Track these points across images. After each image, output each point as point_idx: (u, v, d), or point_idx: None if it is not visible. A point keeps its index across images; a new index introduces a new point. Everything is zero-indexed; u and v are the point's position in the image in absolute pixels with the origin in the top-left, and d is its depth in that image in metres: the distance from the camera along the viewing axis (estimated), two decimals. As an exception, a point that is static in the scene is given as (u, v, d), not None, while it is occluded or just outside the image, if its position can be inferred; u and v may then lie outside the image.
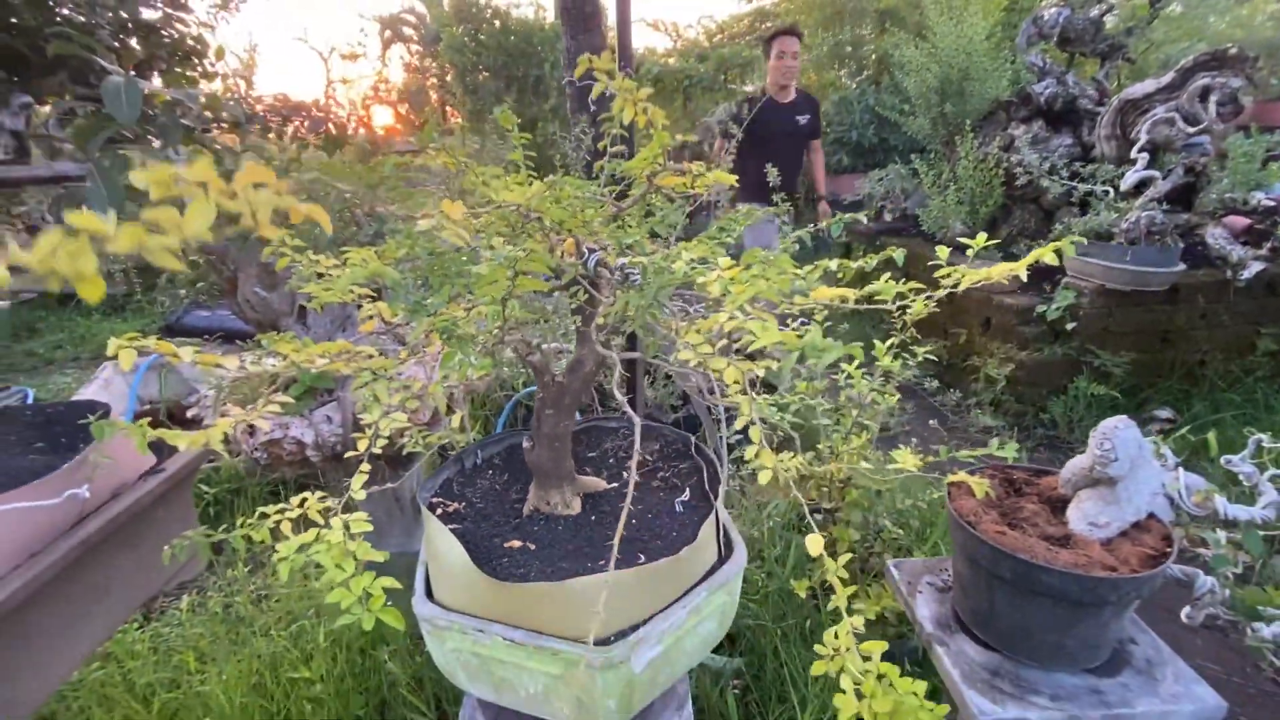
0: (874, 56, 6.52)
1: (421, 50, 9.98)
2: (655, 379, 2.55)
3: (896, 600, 1.28)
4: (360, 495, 0.67)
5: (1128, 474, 0.98)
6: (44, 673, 0.91)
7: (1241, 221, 3.07)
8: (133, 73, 1.95)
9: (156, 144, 1.43)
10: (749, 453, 0.72)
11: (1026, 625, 0.99)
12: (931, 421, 3.24)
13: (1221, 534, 1.13)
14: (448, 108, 9.80)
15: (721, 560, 0.94)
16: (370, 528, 0.64)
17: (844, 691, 0.62)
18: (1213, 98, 2.89)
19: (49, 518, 0.92)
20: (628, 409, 0.74)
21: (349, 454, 0.95)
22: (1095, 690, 0.97)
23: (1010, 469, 1.20)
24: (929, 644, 1.11)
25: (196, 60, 2.16)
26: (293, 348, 0.83)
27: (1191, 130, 2.82)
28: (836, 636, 0.68)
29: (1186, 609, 1.11)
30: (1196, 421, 2.85)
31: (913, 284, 0.98)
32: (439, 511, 1.00)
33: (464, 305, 0.78)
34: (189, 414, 2.81)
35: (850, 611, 0.72)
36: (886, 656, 1.66)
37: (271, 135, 2.10)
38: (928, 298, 0.99)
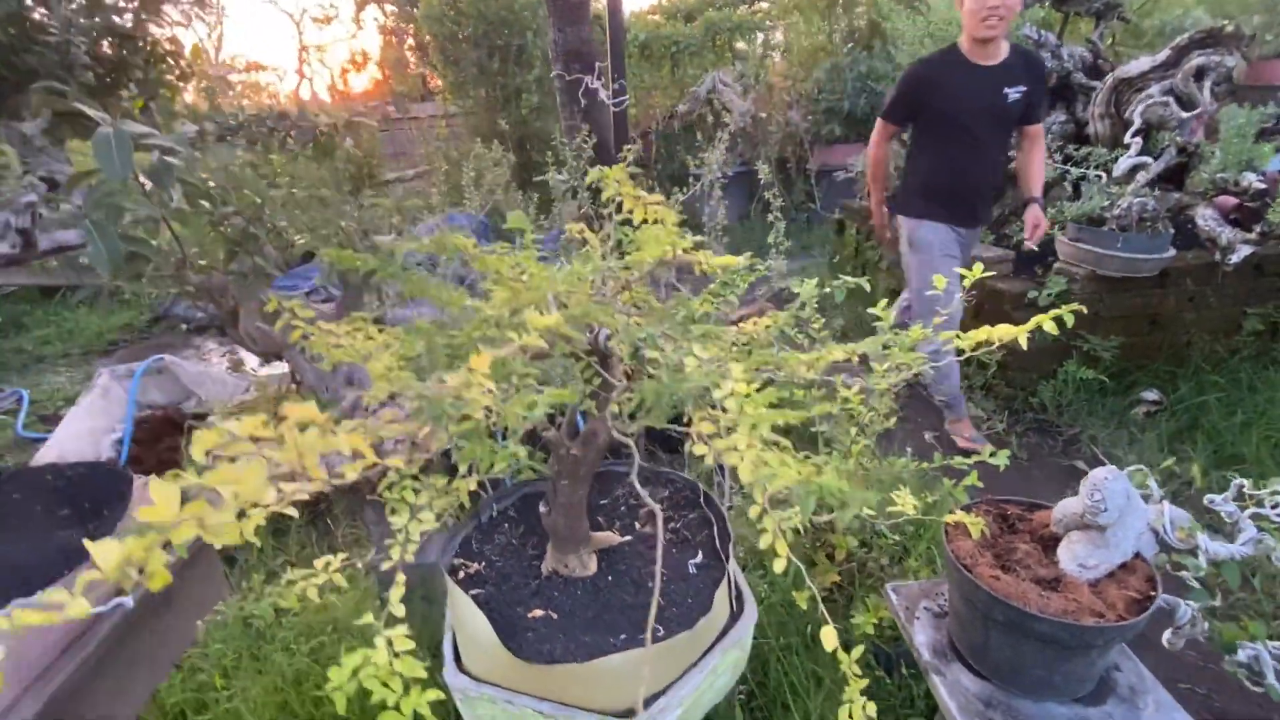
0: (865, 20, 6.36)
1: (397, 12, 9.62)
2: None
3: (896, 621, 1.35)
4: (400, 611, 0.70)
5: (1116, 521, 1.03)
6: (135, 690, 0.96)
7: (1231, 201, 3.09)
8: (109, 85, 1.90)
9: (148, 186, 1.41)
10: (763, 541, 0.75)
11: (1018, 662, 1.06)
12: (920, 420, 3.31)
13: (1203, 559, 1.19)
14: (426, 73, 9.52)
15: (734, 617, 0.99)
16: (412, 645, 0.67)
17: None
18: (1208, 78, 2.88)
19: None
20: (649, 502, 0.77)
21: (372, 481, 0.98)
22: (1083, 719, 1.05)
23: (1005, 504, 1.25)
24: (926, 672, 1.18)
25: (172, 61, 2.11)
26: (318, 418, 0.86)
27: (1186, 115, 2.82)
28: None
29: (1167, 634, 1.18)
30: (1182, 404, 2.93)
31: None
32: (461, 575, 1.04)
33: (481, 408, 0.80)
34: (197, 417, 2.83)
35: (845, 643, 0.76)
36: (883, 661, 1.73)
37: (258, 146, 2.07)
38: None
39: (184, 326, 5.20)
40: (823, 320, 1.73)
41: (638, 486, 0.75)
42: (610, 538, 1.09)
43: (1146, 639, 1.76)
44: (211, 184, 1.55)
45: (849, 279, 1.09)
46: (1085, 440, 2.92)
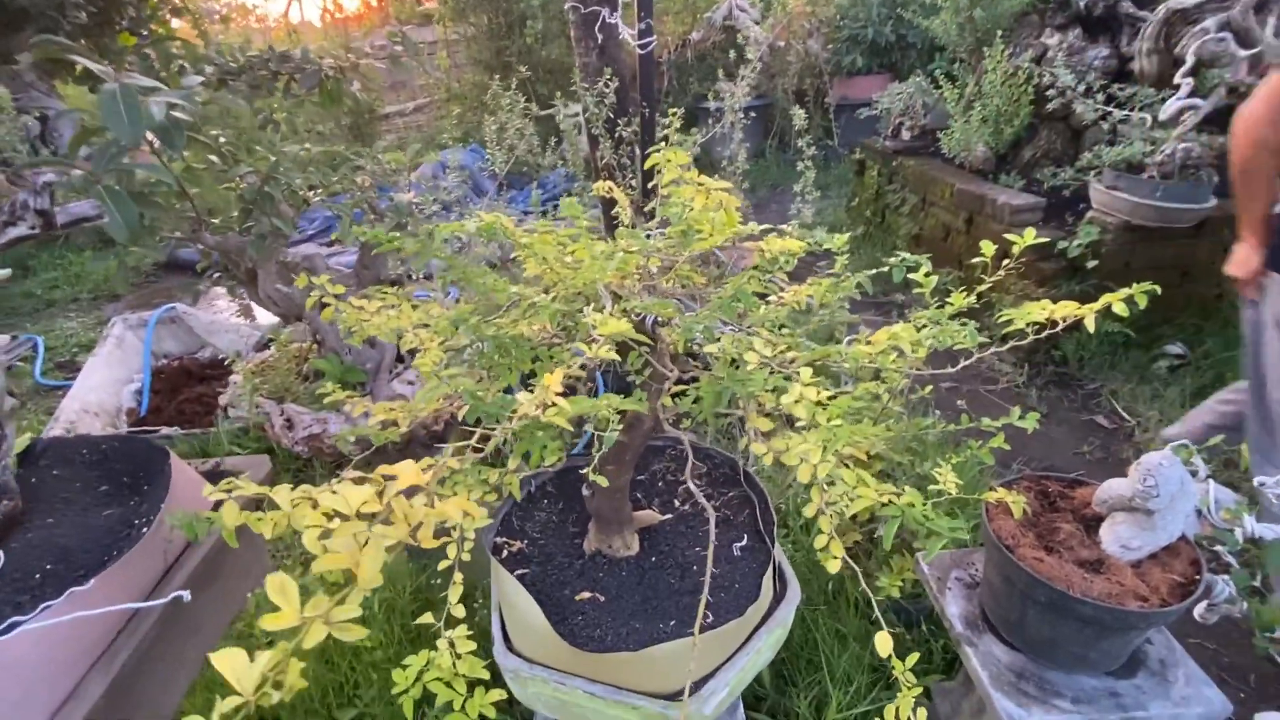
0: (894, -61, 5.91)
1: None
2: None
3: (926, 591, 1.37)
4: (460, 612, 0.70)
5: (1166, 506, 1.02)
6: (157, 712, 0.99)
7: None
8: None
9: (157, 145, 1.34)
10: (818, 542, 0.74)
11: (1055, 638, 1.07)
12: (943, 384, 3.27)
13: (1239, 534, 1.19)
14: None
15: (777, 598, 0.99)
16: (474, 645, 0.68)
17: None
18: (1272, 12, 2.68)
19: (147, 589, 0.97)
20: (705, 505, 0.76)
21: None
22: (1113, 693, 1.07)
23: (1046, 479, 1.24)
24: (958, 643, 1.20)
25: (164, -1, 1.98)
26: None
27: (1244, 53, 2.64)
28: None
29: (1201, 608, 1.19)
30: (1208, 359, 2.89)
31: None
32: (504, 552, 1.05)
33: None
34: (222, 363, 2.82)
35: (865, 600, 0.77)
36: (903, 617, 1.77)
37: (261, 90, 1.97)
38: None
39: (188, 269, 5.14)
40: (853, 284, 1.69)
41: (694, 490, 0.73)
42: (652, 516, 1.08)
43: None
44: (222, 140, 1.48)
45: (906, 256, 1.03)
46: (1106, 395, 2.91)
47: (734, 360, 0.77)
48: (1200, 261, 3.02)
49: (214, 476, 1.24)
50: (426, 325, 0.92)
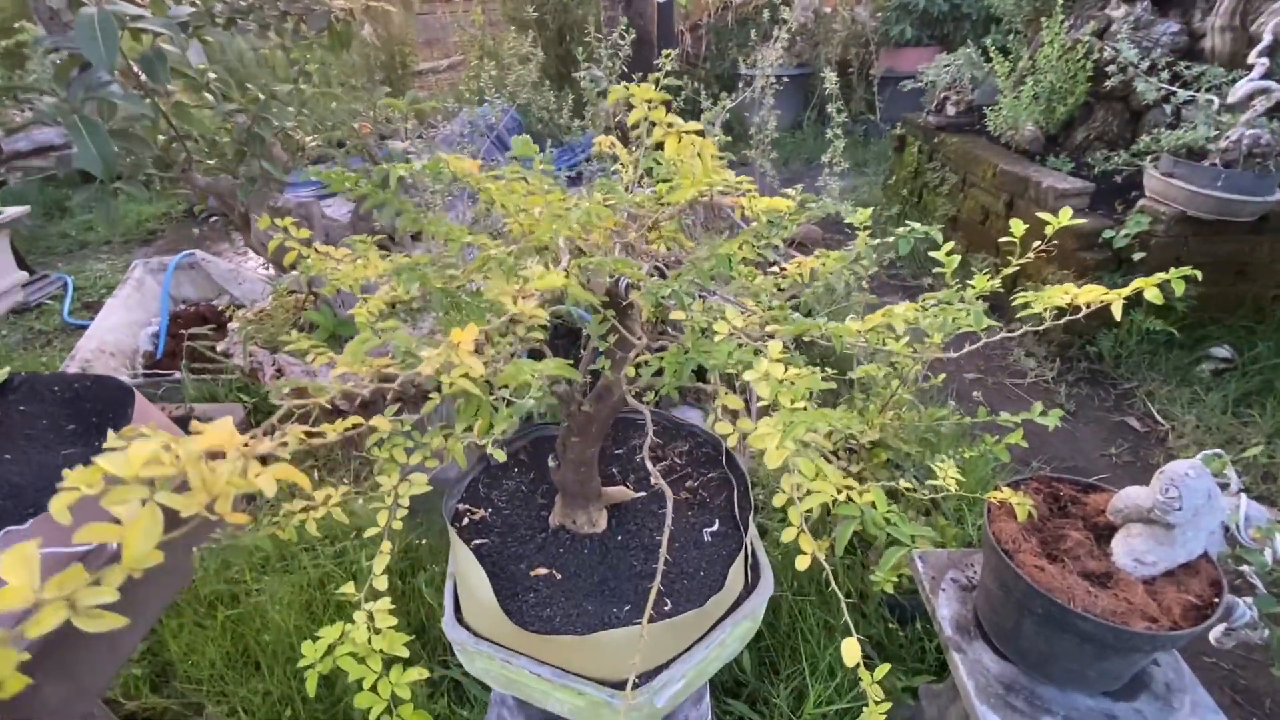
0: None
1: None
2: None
3: (920, 591, 1.29)
4: (382, 584, 0.65)
5: (1189, 521, 0.92)
6: (107, 660, 0.98)
7: (1362, 137, 2.69)
8: None
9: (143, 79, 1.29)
10: (785, 535, 0.67)
11: (1050, 653, 0.99)
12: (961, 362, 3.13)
13: (1269, 556, 1.08)
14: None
15: (748, 589, 0.93)
16: (395, 621, 0.63)
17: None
18: (1366, -15, 2.42)
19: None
20: (660, 481, 0.69)
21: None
22: (1109, 715, 0.99)
23: (1057, 482, 1.14)
24: (946, 648, 1.12)
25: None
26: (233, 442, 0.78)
27: (1330, 30, 2.39)
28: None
29: (1218, 631, 1.10)
30: (1257, 365, 2.70)
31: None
32: (465, 520, 1.00)
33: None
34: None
35: (860, 593, 0.70)
36: (898, 613, 1.70)
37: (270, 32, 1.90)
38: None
39: (216, 219, 5.20)
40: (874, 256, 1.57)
41: (650, 467, 0.66)
42: (623, 493, 1.02)
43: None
44: (213, 76, 1.42)
45: (916, 226, 0.93)
46: (1141, 396, 2.74)
47: (704, 330, 0.69)
48: (1259, 260, 2.81)
49: (184, 422, 1.21)
50: (388, 277, 0.86)
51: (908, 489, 1.75)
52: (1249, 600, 1.08)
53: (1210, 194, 2.53)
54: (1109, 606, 0.91)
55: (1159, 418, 2.63)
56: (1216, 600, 0.92)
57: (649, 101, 0.60)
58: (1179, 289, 0.86)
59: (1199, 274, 0.89)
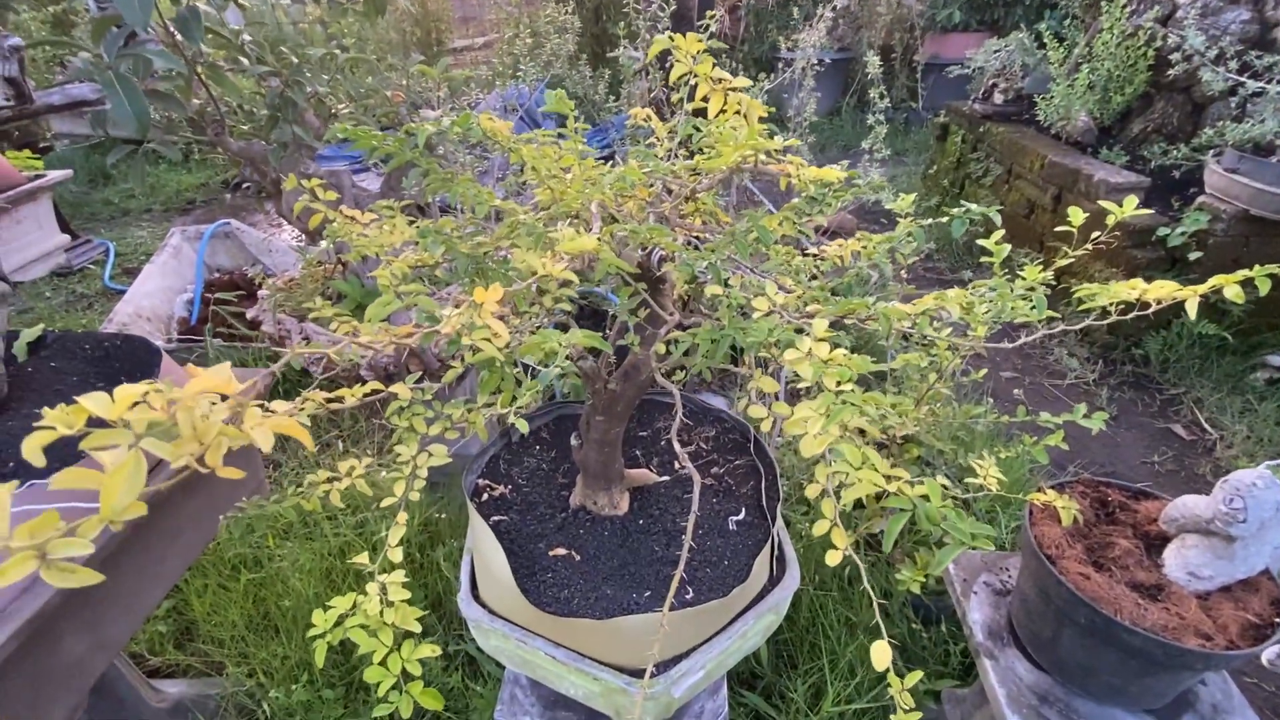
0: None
1: None
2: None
3: (950, 592, 1.24)
4: (397, 556, 0.63)
5: (1253, 535, 0.86)
6: (128, 615, 0.98)
7: None
8: None
9: (180, 40, 1.28)
10: (817, 529, 0.63)
11: (1091, 665, 0.94)
12: (999, 359, 3.02)
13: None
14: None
15: (774, 581, 0.89)
16: (409, 594, 0.61)
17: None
18: None
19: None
20: (689, 465, 0.66)
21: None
22: (1151, 734, 0.94)
23: (1105, 486, 1.08)
24: (977, 653, 1.08)
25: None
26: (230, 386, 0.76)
27: None
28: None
29: (1271, 653, 1.03)
30: (1316, 375, 2.56)
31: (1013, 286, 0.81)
32: (485, 496, 0.98)
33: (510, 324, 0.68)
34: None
35: (884, 593, 0.66)
36: (922, 613, 1.64)
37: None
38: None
39: (249, 186, 5.28)
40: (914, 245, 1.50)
41: (677, 447, 0.63)
42: (647, 476, 0.99)
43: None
44: (247, 38, 1.40)
45: (972, 207, 0.88)
46: (1188, 403, 2.62)
47: (742, 308, 0.65)
48: (1326, 264, 2.65)
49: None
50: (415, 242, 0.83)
51: (944, 486, 1.68)
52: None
53: (1277, 192, 2.39)
54: (1159, 620, 0.85)
55: (1207, 426, 2.51)
56: (1277, 620, 0.86)
57: (694, 55, 0.56)
58: (1264, 288, 0.79)
59: (1278, 270, 0.82)
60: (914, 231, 0.85)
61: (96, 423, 0.31)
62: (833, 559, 0.63)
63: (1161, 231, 2.68)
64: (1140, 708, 0.95)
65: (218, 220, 3.47)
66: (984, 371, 1.64)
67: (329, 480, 0.90)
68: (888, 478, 0.47)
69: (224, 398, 0.37)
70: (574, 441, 0.93)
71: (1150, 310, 0.82)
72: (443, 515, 1.99)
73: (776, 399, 0.63)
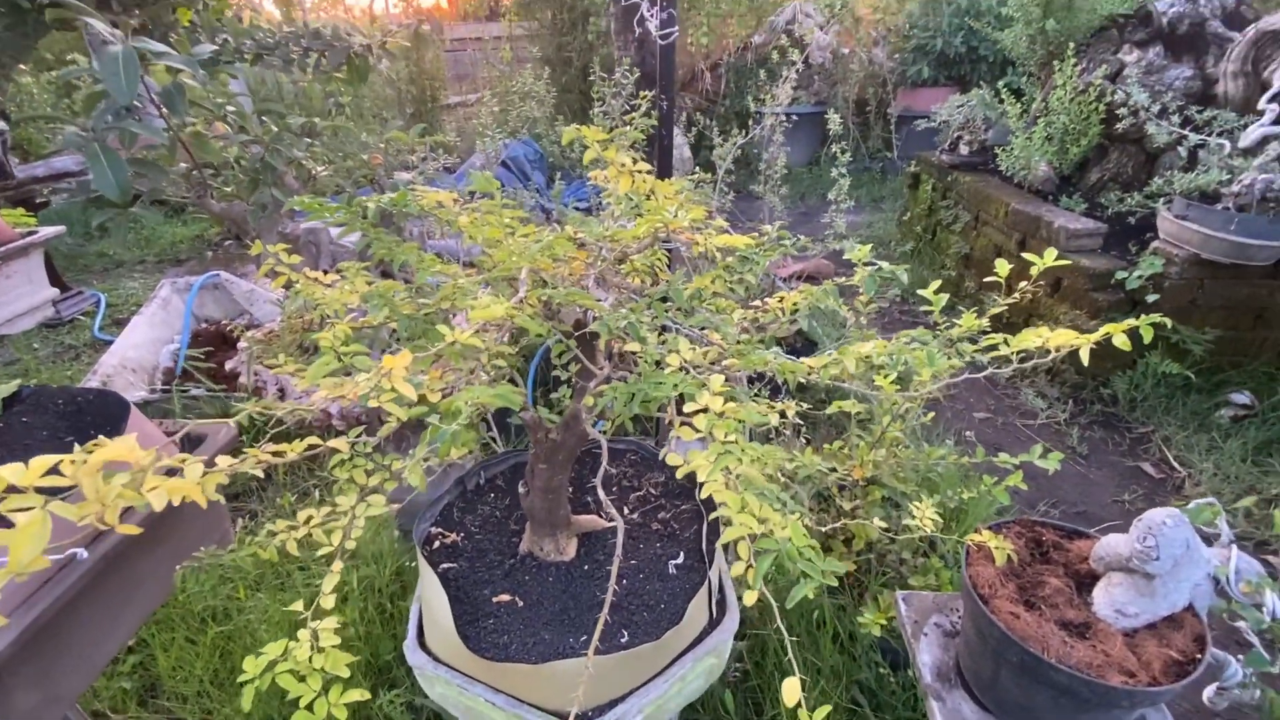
0: (974, -54, 5.66)
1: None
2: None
3: (901, 632, 1.26)
4: (329, 603, 0.66)
5: (1168, 572, 0.89)
6: (84, 666, 0.99)
7: (1384, 183, 2.64)
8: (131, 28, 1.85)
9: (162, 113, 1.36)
10: (734, 570, 0.67)
11: (1029, 705, 0.96)
12: (972, 400, 3.08)
13: (1267, 615, 1.04)
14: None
15: (713, 624, 0.92)
16: (338, 639, 0.63)
17: None
18: (1382, 32, 2.41)
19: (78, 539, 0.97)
20: (612, 511, 0.70)
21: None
22: (1091, 774, 0.95)
23: (1040, 526, 1.12)
24: (925, 695, 1.09)
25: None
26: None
27: (1344, 77, 2.38)
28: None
29: (1209, 691, 1.05)
30: (1278, 412, 2.62)
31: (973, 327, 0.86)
32: (436, 544, 1.01)
33: (443, 374, 0.73)
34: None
35: (850, 635, 0.69)
36: (888, 655, 1.65)
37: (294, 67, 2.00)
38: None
39: (230, 243, 5.42)
40: (867, 296, 1.57)
41: (601, 494, 0.67)
42: (594, 522, 1.02)
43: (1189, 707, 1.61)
44: (230, 109, 1.50)
45: (885, 265, 0.94)
46: (1157, 441, 2.67)
47: (658, 361, 0.70)
48: (1277, 305, 2.75)
49: (188, 439, 1.25)
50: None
51: (892, 530, 1.72)
52: (1241, 659, 1.04)
53: (1224, 237, 2.50)
54: (1085, 658, 0.88)
55: (1175, 464, 2.55)
56: (1199, 656, 0.88)
57: (601, 142, 0.63)
58: (1148, 335, 0.85)
59: (1167, 320, 0.88)
60: (865, 282, 0.91)
61: (11, 489, 0.35)
62: (749, 598, 0.67)
63: (1120, 275, 2.78)
64: (1081, 748, 0.97)
65: (209, 271, 3.55)
66: (931, 415, 1.69)
67: (288, 529, 0.93)
68: (761, 520, 0.51)
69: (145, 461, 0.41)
70: (521, 489, 0.97)
71: (1089, 354, 0.87)
72: (413, 564, 2.00)
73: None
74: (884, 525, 1.09)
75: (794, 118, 3.38)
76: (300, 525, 0.94)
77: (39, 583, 0.92)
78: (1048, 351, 0.94)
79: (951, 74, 5.69)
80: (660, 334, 0.79)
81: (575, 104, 5.92)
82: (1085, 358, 0.85)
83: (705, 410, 0.57)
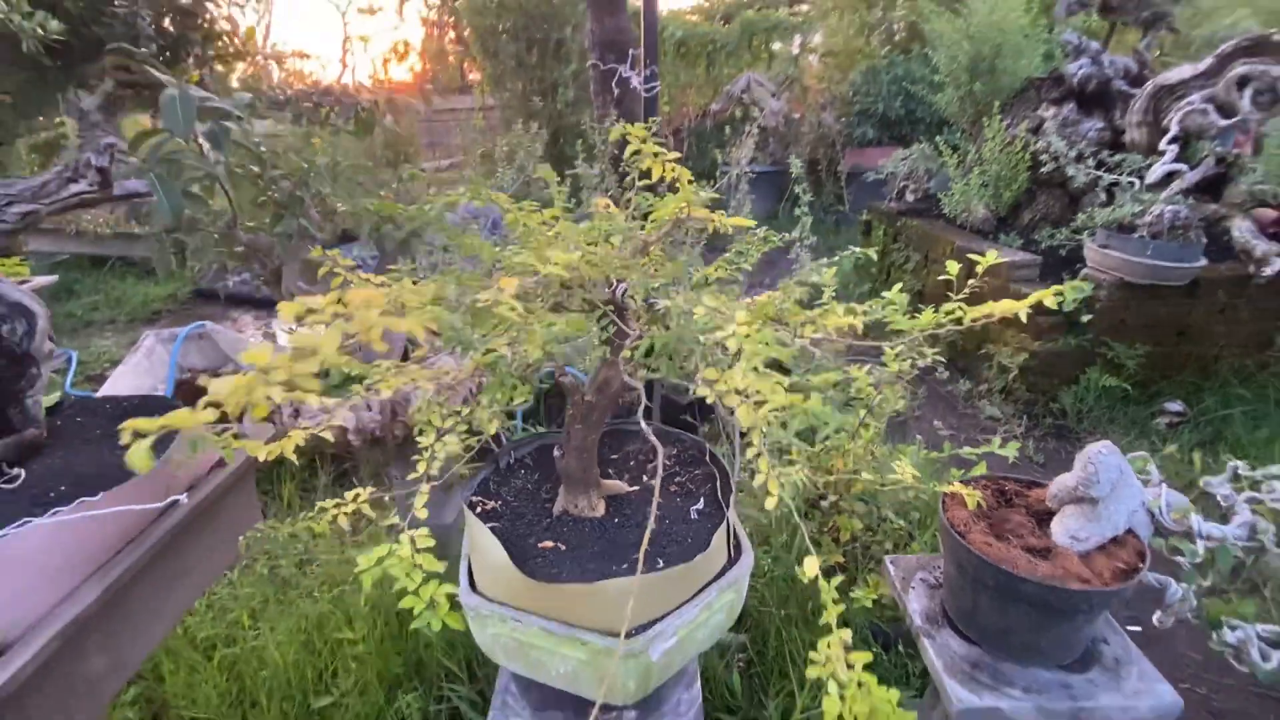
0: (904, 24, 6.34)
1: (440, 4, 9.80)
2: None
3: (891, 591, 1.39)
4: (423, 514, 0.77)
5: (1108, 495, 1.06)
6: (142, 639, 1.05)
7: (1270, 214, 3.04)
8: (180, 74, 2.02)
9: (208, 149, 1.51)
10: (757, 479, 0.81)
11: (1006, 626, 1.09)
12: (937, 422, 3.30)
13: (1201, 545, 1.21)
14: (465, 64, 9.71)
15: (731, 562, 1.04)
16: (433, 543, 0.75)
17: (830, 694, 0.73)
18: (1250, 87, 2.84)
19: (149, 513, 1.06)
20: (651, 437, 0.83)
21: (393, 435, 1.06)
22: (1065, 685, 1.08)
23: (1003, 480, 1.29)
24: (917, 636, 1.22)
25: (227, 40, 2.23)
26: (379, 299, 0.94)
27: (1224, 122, 2.78)
28: (829, 646, 0.78)
29: (1158, 614, 1.20)
30: (1206, 416, 2.90)
31: (924, 320, 1.04)
32: (478, 510, 1.12)
33: (505, 340, 0.87)
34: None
35: (844, 619, 0.82)
36: (880, 638, 1.78)
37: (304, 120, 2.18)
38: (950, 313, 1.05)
39: (221, 299, 5.48)
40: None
41: (643, 424, 0.81)
42: (619, 486, 1.15)
43: (1149, 637, 1.77)
44: (263, 149, 1.65)
45: (856, 250, 1.13)
46: (1104, 447, 2.90)
47: (685, 313, 0.86)
48: (1196, 321, 3.07)
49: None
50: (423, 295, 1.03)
51: (868, 524, 1.87)
52: (1183, 584, 1.20)
53: (1142, 261, 2.82)
54: (1048, 572, 1.03)
55: (1122, 466, 2.77)
56: (1141, 565, 1.04)
57: (641, 138, 0.81)
58: (1070, 294, 1.04)
59: (1087, 286, 1.08)
60: (809, 282, 1.09)
61: (309, 310, 0.48)
62: (770, 503, 0.81)
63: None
64: (1055, 664, 1.10)
65: (195, 322, 3.60)
66: (902, 402, 1.87)
67: (336, 505, 1.03)
68: (789, 391, 0.66)
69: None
70: (556, 453, 1.10)
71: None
72: (421, 583, 2.04)
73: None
74: (863, 522, 1.24)
75: (754, 174, 3.71)
76: (349, 501, 1.04)
77: (113, 550, 1.00)
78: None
79: (893, 134, 6.23)
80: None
81: (550, 163, 6.26)
82: (1023, 316, 1.03)
83: (734, 335, 0.73)
